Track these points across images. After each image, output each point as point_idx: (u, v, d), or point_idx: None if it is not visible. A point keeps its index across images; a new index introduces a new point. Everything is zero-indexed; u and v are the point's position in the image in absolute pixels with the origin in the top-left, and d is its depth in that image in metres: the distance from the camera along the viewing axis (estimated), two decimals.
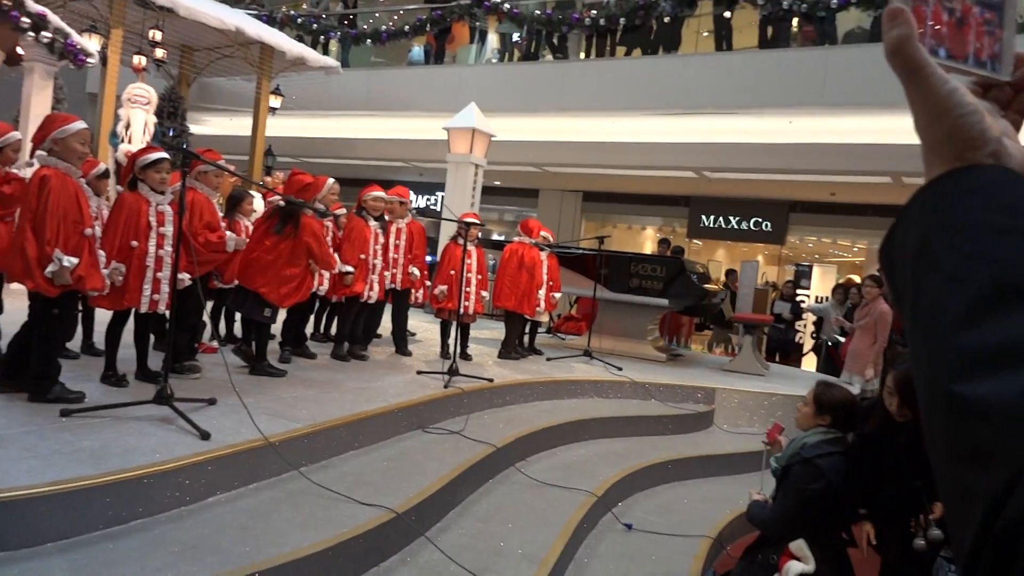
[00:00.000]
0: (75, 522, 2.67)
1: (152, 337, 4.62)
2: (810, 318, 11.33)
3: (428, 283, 6.81)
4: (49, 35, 8.01)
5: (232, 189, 6.15)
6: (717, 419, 6.66)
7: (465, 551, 3.39)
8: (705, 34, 12.20)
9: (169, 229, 4.18)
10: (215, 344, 5.56)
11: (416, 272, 6.55)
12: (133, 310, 4.22)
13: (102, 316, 4.43)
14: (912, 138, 0.59)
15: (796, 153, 10.46)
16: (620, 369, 6.90)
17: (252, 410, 3.68)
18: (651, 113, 11.11)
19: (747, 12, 10.90)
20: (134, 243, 4.06)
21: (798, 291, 11.20)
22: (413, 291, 6.71)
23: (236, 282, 5.09)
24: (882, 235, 0.57)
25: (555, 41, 12.33)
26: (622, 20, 11.30)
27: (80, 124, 3.81)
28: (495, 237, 15.75)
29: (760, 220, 13.85)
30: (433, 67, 13.29)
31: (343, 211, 6.18)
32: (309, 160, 15.16)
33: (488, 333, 8.40)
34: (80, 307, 4.26)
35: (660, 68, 11.04)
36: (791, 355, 10.76)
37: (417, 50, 14.28)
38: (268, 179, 10.02)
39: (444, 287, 6.38)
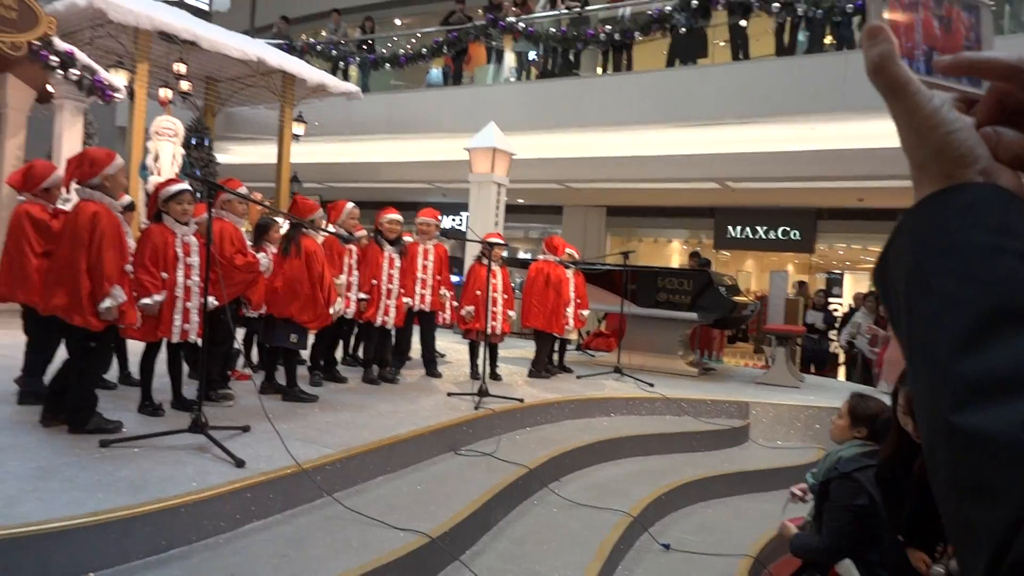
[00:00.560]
0: (115, 552, 2.69)
1: (186, 366, 4.67)
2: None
3: (455, 304, 6.82)
4: (77, 72, 8.21)
5: (259, 218, 6.23)
6: (753, 434, 6.55)
7: (500, 575, 3.36)
8: (722, 44, 12.18)
9: (195, 259, 4.23)
10: (248, 371, 5.62)
11: (447, 293, 6.56)
12: (165, 340, 4.27)
13: (135, 346, 4.49)
14: None
15: (820, 160, 10.35)
16: (651, 385, 6.84)
17: (285, 436, 3.69)
18: (671, 125, 11.08)
19: (763, 20, 10.86)
20: (164, 275, 4.12)
21: (830, 299, 11.04)
22: (440, 312, 6.69)
23: (264, 310, 5.13)
24: None
25: (571, 57, 12.37)
26: (637, 34, 11.32)
27: (122, 160, 3.91)
28: (521, 255, 15.79)
29: (788, 229, 13.72)
30: (452, 88, 13.40)
31: (364, 233, 6.21)
32: (335, 185, 15.35)
33: (517, 352, 8.38)
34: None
35: (678, 80, 11.03)
36: (826, 365, 10.59)
37: (435, 72, 14.42)
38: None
39: (471, 308, 6.38)
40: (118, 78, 9.01)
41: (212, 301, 4.22)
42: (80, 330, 3.67)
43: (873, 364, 9.07)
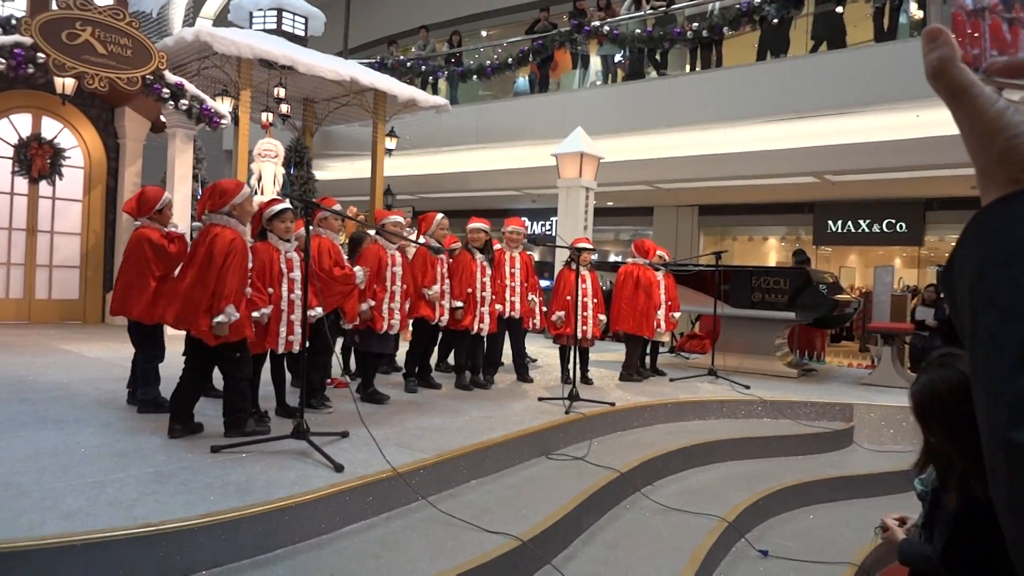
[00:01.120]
0: (225, 551, 2.87)
1: (288, 375, 4.92)
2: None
3: (544, 309, 6.85)
4: (187, 102, 8.78)
5: (352, 232, 6.47)
6: (857, 437, 6.28)
7: None
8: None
9: (297, 274, 4.44)
10: (346, 379, 5.84)
11: (535, 299, 6.60)
12: (269, 351, 4.51)
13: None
14: None
15: (927, 148, 9.80)
16: (748, 387, 6.66)
17: (381, 442, 3.83)
18: (765, 120, 10.77)
19: (859, 6, 10.40)
20: (270, 290, 4.35)
21: (941, 295, 10.42)
22: (530, 318, 6.72)
23: (358, 321, 5.33)
24: None
25: (658, 57, 12.23)
26: (726, 29, 11.07)
27: (248, 189, 4.22)
28: (611, 259, 15.69)
29: (893, 221, 13.07)
30: (538, 96, 13.50)
31: (458, 245, 6.32)
32: (426, 196, 15.73)
33: (609, 356, 8.34)
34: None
35: (770, 73, 10.70)
36: None
37: (522, 81, 14.56)
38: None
39: (561, 313, 6.40)
40: (223, 105, 9.56)
41: (318, 311, 4.42)
42: (224, 344, 3.94)
43: None
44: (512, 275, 6.35)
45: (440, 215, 5.98)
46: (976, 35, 0.54)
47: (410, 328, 5.99)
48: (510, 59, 13.60)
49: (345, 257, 5.19)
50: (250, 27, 11.17)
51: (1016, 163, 0.50)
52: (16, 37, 7.63)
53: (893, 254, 14.47)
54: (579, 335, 6.23)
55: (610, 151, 10.94)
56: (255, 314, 4.18)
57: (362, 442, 3.98)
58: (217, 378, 4.38)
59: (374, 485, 3.51)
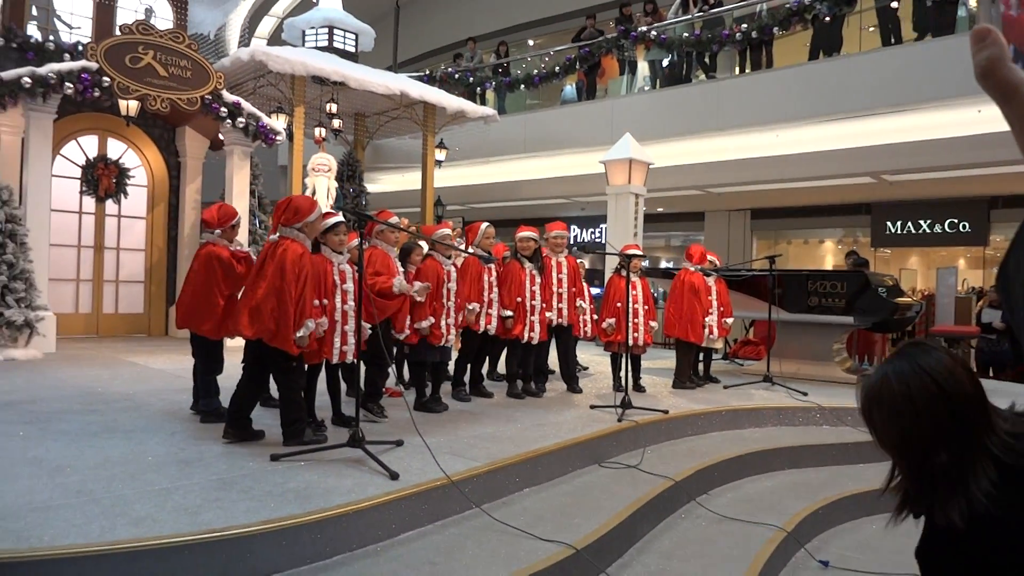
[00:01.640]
0: (285, 557, 2.94)
1: (344, 385, 5.01)
2: None
3: (595, 316, 6.82)
4: (244, 120, 9.05)
5: (403, 242, 6.56)
6: None
7: None
8: (870, 29, 11.47)
9: (351, 286, 4.53)
10: (400, 388, 5.92)
11: (584, 305, 6.58)
12: (325, 361, 4.61)
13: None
14: None
15: (991, 144, 9.46)
16: (805, 394, 6.52)
17: (435, 450, 3.88)
18: (818, 120, 10.57)
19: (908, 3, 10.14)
20: (325, 301, 4.44)
21: None
22: (581, 325, 6.69)
23: (407, 332, 5.38)
24: None
25: (707, 60, 12.10)
26: (776, 29, 10.90)
27: (321, 208, 4.36)
28: (663, 265, 15.54)
29: (956, 221, 12.64)
30: (586, 103, 13.49)
31: (507, 254, 6.35)
32: (476, 206, 15.86)
33: (662, 363, 8.26)
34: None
35: (823, 72, 10.50)
36: (1005, 369, 9.62)
37: (569, 88, 14.58)
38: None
39: (612, 320, 6.37)
40: (278, 122, 9.83)
41: (367, 327, 4.51)
42: (280, 353, 4.06)
43: None
44: (560, 281, 6.32)
45: (485, 224, 6.01)
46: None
47: (459, 337, 6.03)
48: (557, 67, 13.65)
49: (401, 269, 5.24)
50: (303, 45, 11.46)
51: None
52: (83, 62, 7.99)
53: (956, 255, 13.99)
54: (630, 342, 6.19)
55: (659, 156, 10.86)
56: (311, 324, 4.28)
57: (416, 451, 4.03)
58: (275, 388, 4.48)
59: (428, 493, 3.55)
